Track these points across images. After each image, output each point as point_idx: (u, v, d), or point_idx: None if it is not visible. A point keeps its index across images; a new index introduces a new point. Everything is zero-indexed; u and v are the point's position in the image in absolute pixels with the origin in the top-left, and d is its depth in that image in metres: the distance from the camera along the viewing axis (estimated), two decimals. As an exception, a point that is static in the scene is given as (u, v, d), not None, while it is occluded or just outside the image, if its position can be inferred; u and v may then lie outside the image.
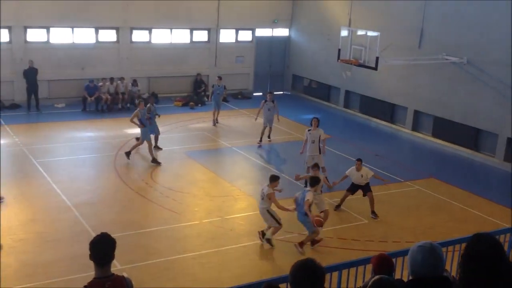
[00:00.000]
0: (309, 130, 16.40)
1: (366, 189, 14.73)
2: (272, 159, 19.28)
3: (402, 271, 6.97)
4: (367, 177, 14.69)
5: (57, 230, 12.99)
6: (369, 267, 6.56)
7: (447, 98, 21.24)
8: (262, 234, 12.81)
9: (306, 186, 14.77)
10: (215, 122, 22.47)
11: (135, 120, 17.85)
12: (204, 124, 22.24)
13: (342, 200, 14.89)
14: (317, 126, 16.34)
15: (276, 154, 19.67)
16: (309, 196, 12.21)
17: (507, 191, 16.38)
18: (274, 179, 12.72)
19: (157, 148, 18.84)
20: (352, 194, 14.88)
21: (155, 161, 17.68)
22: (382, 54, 19.63)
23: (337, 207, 14.90)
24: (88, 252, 5.12)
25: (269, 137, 20.40)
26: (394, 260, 7.04)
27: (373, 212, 14.56)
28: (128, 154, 17.77)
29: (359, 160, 14.90)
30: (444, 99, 21.38)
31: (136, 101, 18.27)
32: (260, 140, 20.17)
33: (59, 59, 24.09)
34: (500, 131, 19.41)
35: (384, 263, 6.24)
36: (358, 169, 14.71)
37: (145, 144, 17.87)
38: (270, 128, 20.37)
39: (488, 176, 18.93)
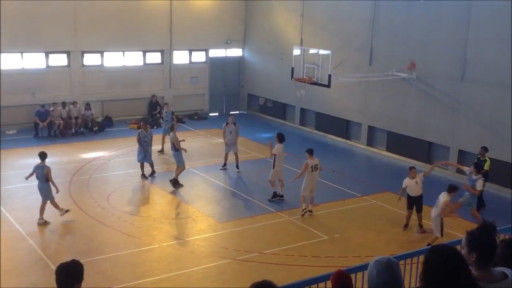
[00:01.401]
0: None
1: (419, 205, 14.95)
2: (230, 179, 19.24)
3: (362, 286, 7.04)
4: (420, 182, 14.88)
5: (12, 260, 12.62)
6: (330, 283, 6.59)
7: (400, 113, 21.72)
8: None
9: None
10: (161, 150, 21.52)
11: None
12: (160, 146, 22.04)
13: (408, 219, 15.10)
14: (279, 142, 16.77)
15: (235, 174, 19.64)
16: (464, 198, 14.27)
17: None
18: (453, 189, 13.62)
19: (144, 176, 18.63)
20: (411, 209, 15.05)
21: (177, 184, 17.63)
22: (334, 72, 19.96)
23: (405, 226, 15.09)
24: (45, 280, 4.98)
25: (237, 167, 19.62)
26: (354, 275, 7.12)
27: (420, 226, 14.97)
28: (175, 182, 17.59)
29: (413, 167, 15.31)
30: (396, 114, 21.86)
31: (168, 125, 18.27)
32: (225, 164, 19.75)
33: (8, 85, 23.57)
34: (451, 144, 19.94)
35: (341, 280, 6.27)
36: (412, 177, 14.94)
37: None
38: (236, 154, 19.67)
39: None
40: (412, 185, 14.92)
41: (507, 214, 15.03)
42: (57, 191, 14.69)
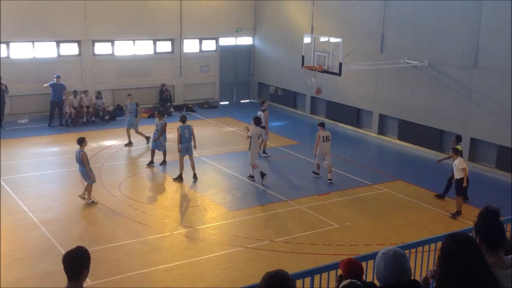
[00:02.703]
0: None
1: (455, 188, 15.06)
2: (241, 168, 19.24)
3: (374, 274, 7.05)
4: (457, 168, 14.81)
5: (25, 247, 12.75)
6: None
7: (411, 101, 21.60)
8: None
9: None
10: (129, 142, 20.94)
11: None
12: (171, 135, 22.09)
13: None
14: (255, 125, 17.43)
15: (245, 162, 19.64)
16: None
17: (472, 190, 16.66)
18: None
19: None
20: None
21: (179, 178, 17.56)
22: (345, 60, 19.86)
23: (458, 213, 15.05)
24: (58, 268, 5.02)
25: (264, 151, 20.05)
26: (365, 263, 7.11)
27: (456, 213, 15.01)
28: (194, 176, 17.63)
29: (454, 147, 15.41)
30: (408, 102, 21.73)
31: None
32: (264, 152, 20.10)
33: (20, 74, 23.70)
34: (463, 132, 19.79)
35: (352, 268, 6.27)
36: (452, 158, 15.11)
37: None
38: (264, 140, 19.98)
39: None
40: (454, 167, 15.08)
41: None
42: (90, 178, 15.19)
